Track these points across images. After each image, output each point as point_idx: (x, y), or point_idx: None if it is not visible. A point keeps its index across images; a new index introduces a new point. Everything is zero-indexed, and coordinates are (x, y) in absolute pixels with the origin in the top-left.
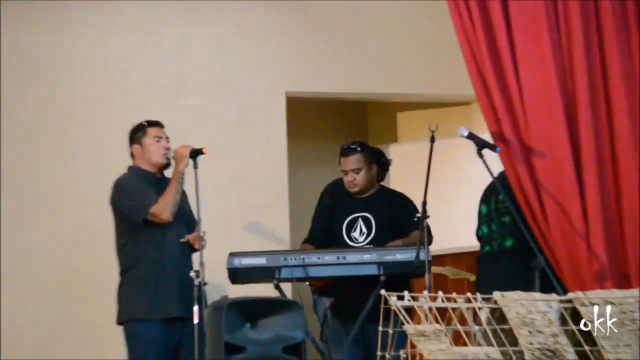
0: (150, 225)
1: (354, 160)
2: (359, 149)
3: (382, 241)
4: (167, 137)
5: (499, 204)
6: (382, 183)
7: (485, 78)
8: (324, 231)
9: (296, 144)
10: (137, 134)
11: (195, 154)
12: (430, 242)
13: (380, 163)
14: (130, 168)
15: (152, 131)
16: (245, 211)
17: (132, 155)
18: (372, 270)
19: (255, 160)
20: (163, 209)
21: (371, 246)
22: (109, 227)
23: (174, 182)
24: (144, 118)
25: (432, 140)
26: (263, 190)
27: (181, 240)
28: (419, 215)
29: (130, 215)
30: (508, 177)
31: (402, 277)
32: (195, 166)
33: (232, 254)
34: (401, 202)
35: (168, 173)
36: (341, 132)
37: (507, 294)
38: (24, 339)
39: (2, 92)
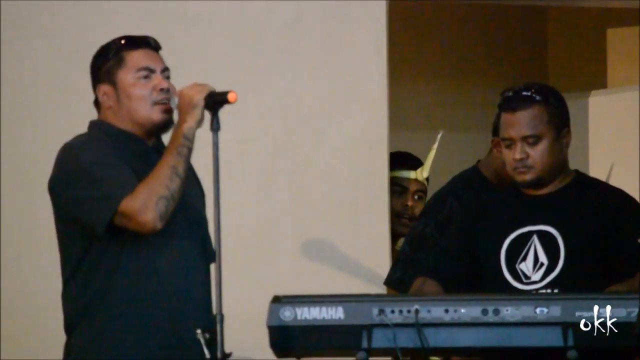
0: (121, 238)
1: (528, 119)
2: (538, 97)
3: (577, 281)
4: (167, 69)
5: None
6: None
7: None
8: (460, 260)
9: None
10: (106, 63)
11: (217, 101)
12: None
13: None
14: (93, 125)
15: (135, 57)
16: (302, 212)
17: (97, 102)
18: (554, 338)
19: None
20: (144, 204)
21: (555, 291)
22: None
23: (171, 152)
24: None
25: None
26: (340, 173)
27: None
28: None
29: (85, 219)
30: None
31: (613, 355)
32: (216, 127)
33: (278, 300)
34: (621, 207)
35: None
36: (493, 66)
37: None
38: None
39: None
